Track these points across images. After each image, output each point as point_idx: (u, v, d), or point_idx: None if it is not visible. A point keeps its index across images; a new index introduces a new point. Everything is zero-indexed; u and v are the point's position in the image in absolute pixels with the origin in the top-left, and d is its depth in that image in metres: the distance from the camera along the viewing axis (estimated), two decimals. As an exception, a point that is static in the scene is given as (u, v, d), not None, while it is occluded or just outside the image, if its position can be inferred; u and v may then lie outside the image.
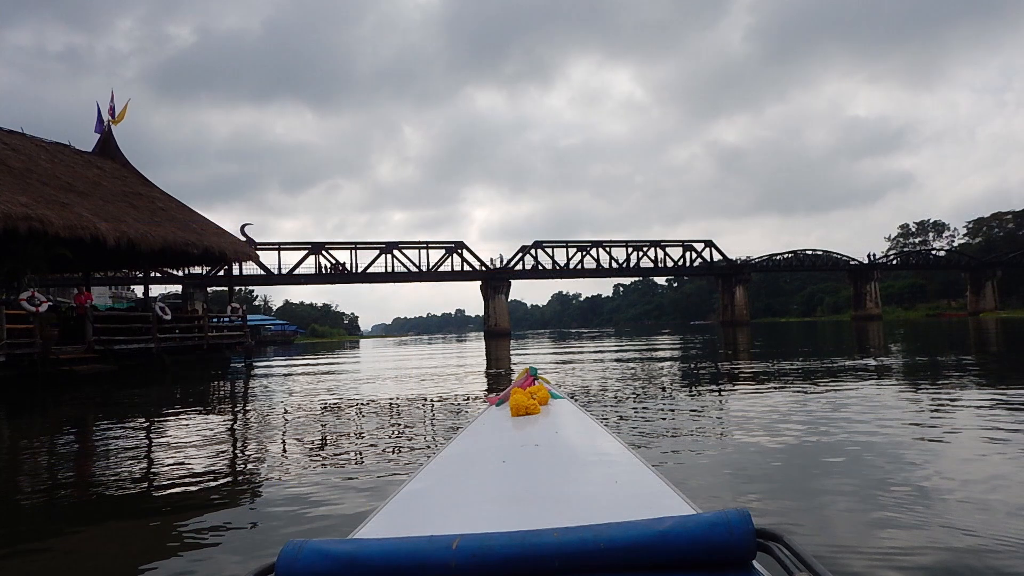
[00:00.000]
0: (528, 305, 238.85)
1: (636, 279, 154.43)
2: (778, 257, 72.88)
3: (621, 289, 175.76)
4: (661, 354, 18.58)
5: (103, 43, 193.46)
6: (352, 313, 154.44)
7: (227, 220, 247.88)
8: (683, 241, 68.17)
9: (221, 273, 26.47)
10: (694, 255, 67.47)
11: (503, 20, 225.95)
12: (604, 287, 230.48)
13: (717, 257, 68.06)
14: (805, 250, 73.35)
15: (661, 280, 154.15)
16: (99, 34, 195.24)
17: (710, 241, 68.73)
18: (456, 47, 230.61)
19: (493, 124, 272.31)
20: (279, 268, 57.61)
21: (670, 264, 67.38)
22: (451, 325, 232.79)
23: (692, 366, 13.46)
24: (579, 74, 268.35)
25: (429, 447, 5.26)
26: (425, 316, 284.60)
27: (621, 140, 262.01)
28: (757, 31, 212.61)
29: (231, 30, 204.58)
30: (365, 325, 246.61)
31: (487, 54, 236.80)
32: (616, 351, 21.41)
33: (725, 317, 67.94)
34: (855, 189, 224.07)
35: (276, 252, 58.45)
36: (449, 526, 1.11)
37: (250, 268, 53.24)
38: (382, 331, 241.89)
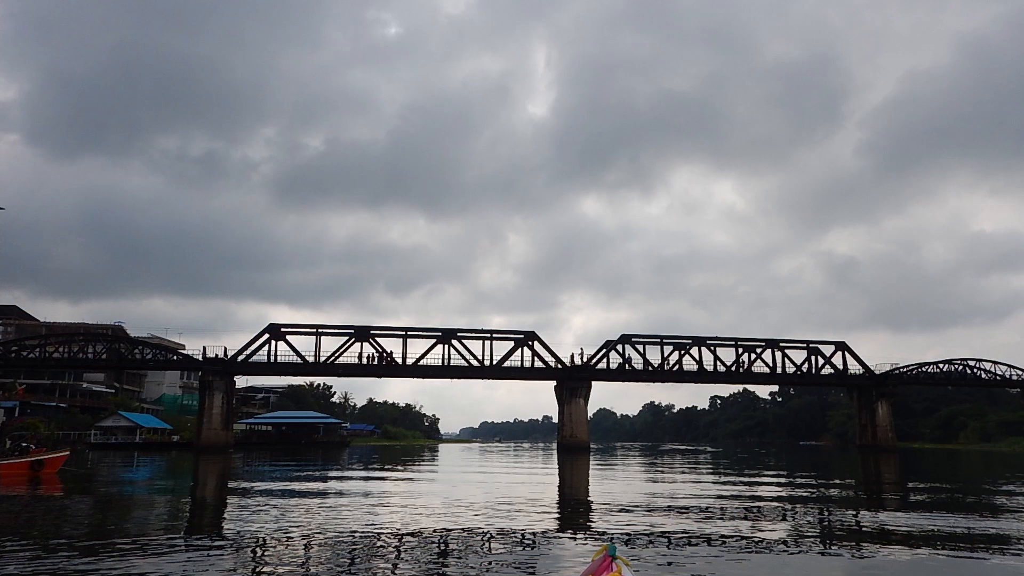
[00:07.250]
0: (618, 415, 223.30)
1: (736, 390, 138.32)
2: (930, 368, 58.78)
3: (719, 401, 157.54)
4: (773, 492, 15.52)
5: (239, 151, 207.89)
6: (433, 415, 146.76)
7: (334, 318, 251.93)
8: (808, 342, 54.56)
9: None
10: (821, 360, 54.63)
11: (612, 133, 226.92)
12: (700, 398, 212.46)
13: (849, 363, 55.15)
14: (967, 360, 58.85)
15: (763, 393, 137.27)
16: (237, 142, 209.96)
17: (843, 343, 54.73)
18: (563, 158, 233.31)
19: (593, 231, 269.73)
20: (317, 356, 46.63)
21: (791, 369, 54.50)
22: (537, 432, 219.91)
23: (825, 517, 10.30)
24: (680, 183, 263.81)
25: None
26: (512, 421, 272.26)
27: (725, 250, 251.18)
28: (869, 145, 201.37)
29: (358, 140, 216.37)
30: (453, 428, 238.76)
31: (592, 164, 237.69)
32: (715, 483, 18.54)
33: (863, 440, 54.59)
34: (978, 306, 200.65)
35: (314, 337, 47.38)
36: None
37: (284, 354, 46.18)
38: (469, 435, 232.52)
